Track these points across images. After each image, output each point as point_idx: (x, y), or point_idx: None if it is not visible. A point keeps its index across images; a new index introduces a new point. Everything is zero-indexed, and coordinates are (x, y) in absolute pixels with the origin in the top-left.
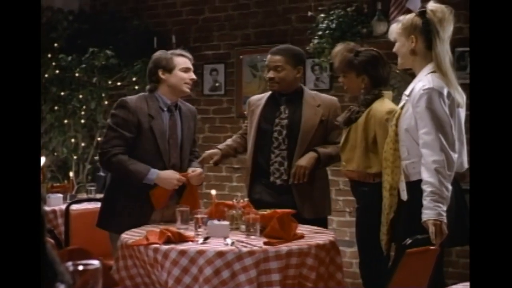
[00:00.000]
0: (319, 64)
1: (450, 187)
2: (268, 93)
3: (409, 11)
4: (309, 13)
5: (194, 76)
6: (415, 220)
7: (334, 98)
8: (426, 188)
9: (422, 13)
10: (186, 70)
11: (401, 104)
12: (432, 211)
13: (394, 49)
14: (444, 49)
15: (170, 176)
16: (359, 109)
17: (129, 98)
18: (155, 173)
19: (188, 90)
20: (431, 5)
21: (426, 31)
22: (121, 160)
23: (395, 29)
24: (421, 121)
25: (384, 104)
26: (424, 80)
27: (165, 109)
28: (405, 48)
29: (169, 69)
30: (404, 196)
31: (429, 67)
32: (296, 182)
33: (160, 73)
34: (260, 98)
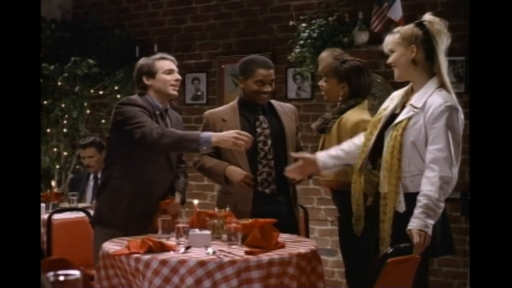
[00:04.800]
0: (300, 73)
1: (443, 204)
2: (229, 105)
3: (390, 20)
4: (291, 23)
5: (178, 77)
6: (404, 231)
7: (292, 106)
8: (423, 200)
9: (420, 24)
10: (169, 72)
11: (406, 115)
12: (420, 222)
13: (390, 60)
14: (443, 61)
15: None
16: (333, 117)
17: (133, 97)
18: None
19: (175, 92)
20: (428, 17)
21: (426, 41)
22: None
23: (391, 39)
24: (436, 137)
25: (355, 114)
26: (442, 96)
27: (157, 112)
28: (405, 58)
29: (152, 74)
30: (402, 207)
31: (435, 81)
32: (292, 184)
33: (144, 79)
34: (223, 111)
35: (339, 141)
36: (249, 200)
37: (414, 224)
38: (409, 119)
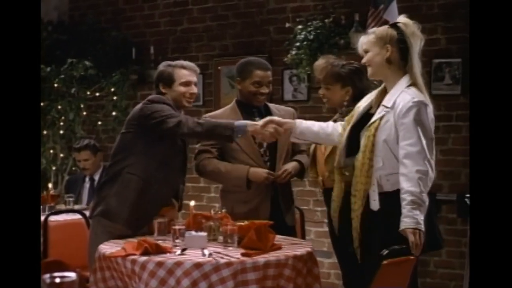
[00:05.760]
0: (297, 75)
1: (427, 197)
2: (228, 108)
3: (386, 22)
4: (287, 25)
5: (194, 90)
6: (390, 230)
7: (290, 108)
8: (407, 197)
9: (394, 26)
10: (186, 84)
11: (379, 115)
12: (411, 220)
13: (365, 59)
14: (417, 61)
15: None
16: (342, 119)
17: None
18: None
19: (187, 105)
20: (402, 19)
21: (401, 41)
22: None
23: (366, 40)
24: (407, 133)
25: None
26: (410, 93)
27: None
28: (379, 57)
29: (169, 83)
30: (376, 205)
31: (406, 80)
32: (280, 182)
33: (161, 87)
34: (224, 113)
35: None
36: (269, 193)
37: (406, 223)
38: (381, 118)
